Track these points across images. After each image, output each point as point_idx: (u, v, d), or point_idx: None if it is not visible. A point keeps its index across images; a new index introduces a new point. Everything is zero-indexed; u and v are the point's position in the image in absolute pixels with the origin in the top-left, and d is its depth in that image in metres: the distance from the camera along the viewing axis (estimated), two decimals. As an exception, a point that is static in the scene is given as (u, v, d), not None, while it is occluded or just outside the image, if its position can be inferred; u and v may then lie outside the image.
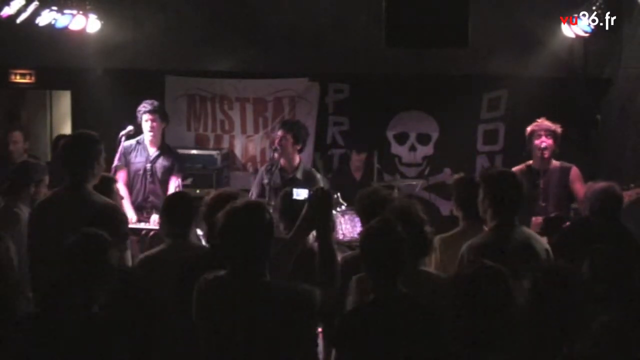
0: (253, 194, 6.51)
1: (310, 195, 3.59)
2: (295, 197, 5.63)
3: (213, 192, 4.18)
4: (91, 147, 4.52)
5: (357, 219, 6.41)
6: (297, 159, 6.50)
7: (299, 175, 6.46)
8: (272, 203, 5.91)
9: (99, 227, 3.83)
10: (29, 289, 4.38)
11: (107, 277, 3.35)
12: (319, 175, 6.62)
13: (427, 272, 3.81)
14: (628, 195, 5.62)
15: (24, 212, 4.93)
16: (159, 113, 6.57)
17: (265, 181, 6.47)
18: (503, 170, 4.70)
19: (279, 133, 6.52)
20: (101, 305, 3.29)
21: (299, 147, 6.51)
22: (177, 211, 4.32)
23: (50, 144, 8.92)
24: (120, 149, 6.54)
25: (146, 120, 6.52)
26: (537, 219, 5.66)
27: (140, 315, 3.63)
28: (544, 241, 4.32)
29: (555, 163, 5.98)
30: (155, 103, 6.60)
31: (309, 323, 3.23)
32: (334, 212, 6.26)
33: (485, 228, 4.49)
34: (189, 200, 4.44)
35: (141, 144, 6.60)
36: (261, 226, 3.20)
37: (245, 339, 3.16)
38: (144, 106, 6.51)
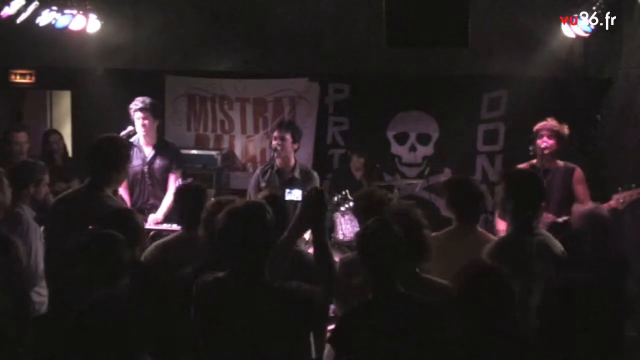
0: (251, 198, 6.50)
1: (304, 196, 3.61)
2: (288, 197, 5.66)
3: (213, 199, 4.23)
4: (119, 152, 4.60)
5: (356, 220, 6.42)
6: (293, 159, 6.52)
7: (296, 174, 6.48)
8: None
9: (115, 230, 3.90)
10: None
11: (119, 275, 3.42)
12: (316, 174, 6.64)
13: (428, 279, 3.79)
14: (629, 195, 5.63)
15: (26, 212, 4.94)
16: (150, 111, 6.43)
17: (263, 185, 6.47)
18: (526, 171, 4.70)
19: (276, 133, 6.53)
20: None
21: (296, 147, 6.54)
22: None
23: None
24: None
25: (137, 119, 6.43)
26: (547, 217, 5.67)
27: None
28: (559, 244, 4.32)
29: (559, 163, 5.99)
30: (147, 100, 6.46)
31: (309, 323, 3.23)
32: (339, 211, 6.30)
33: (479, 228, 4.51)
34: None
35: (137, 146, 6.49)
36: (262, 226, 3.21)
37: (246, 339, 3.16)
38: (135, 104, 6.41)
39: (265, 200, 3.93)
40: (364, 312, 3.34)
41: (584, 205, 4.89)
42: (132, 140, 6.51)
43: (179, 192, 4.73)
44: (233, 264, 3.22)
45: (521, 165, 6.02)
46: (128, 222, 4.04)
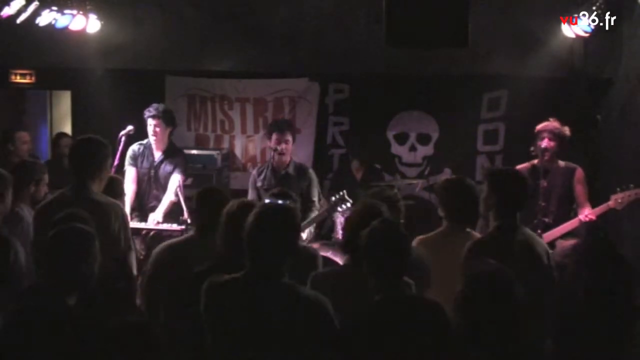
0: (250, 198, 6.54)
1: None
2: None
3: (235, 202, 4.15)
4: (97, 152, 4.61)
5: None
6: (289, 157, 6.62)
7: (290, 170, 6.55)
8: None
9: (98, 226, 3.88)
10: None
11: (87, 271, 3.36)
12: (312, 171, 6.68)
13: None
14: (627, 196, 5.63)
15: (25, 211, 4.93)
16: (162, 118, 6.59)
17: (259, 184, 6.54)
18: (509, 169, 4.69)
19: (277, 136, 6.56)
20: (81, 299, 3.33)
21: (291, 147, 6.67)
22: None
23: (50, 144, 8.93)
24: (120, 148, 6.57)
25: (149, 125, 6.61)
26: (547, 237, 5.66)
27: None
28: (544, 243, 4.31)
29: (560, 163, 5.98)
30: (161, 108, 6.63)
31: (323, 329, 3.22)
32: (338, 211, 6.32)
33: (468, 230, 4.50)
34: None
35: (148, 148, 6.69)
36: (291, 229, 3.24)
37: (259, 338, 3.16)
38: (149, 110, 6.59)
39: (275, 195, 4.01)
40: (371, 314, 3.32)
41: (567, 241, 4.85)
42: (143, 142, 6.69)
43: (203, 194, 4.63)
44: (256, 264, 3.22)
45: (522, 165, 6.02)
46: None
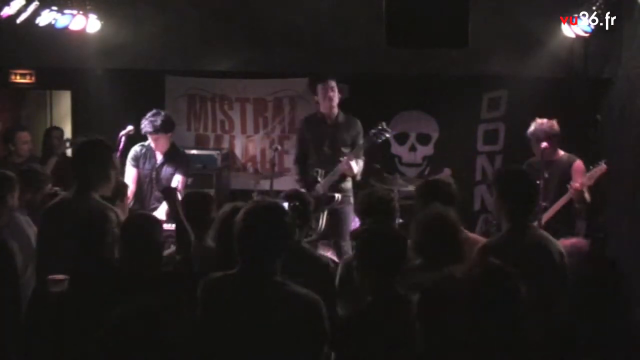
0: (296, 150, 6.86)
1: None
2: None
3: (228, 205, 4.17)
4: (99, 154, 4.55)
5: (356, 219, 6.43)
6: (337, 107, 6.75)
7: (340, 119, 6.74)
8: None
9: (92, 232, 3.94)
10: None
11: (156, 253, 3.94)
12: (359, 122, 6.81)
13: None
14: (594, 172, 5.84)
15: (19, 217, 4.88)
16: (161, 131, 6.56)
17: (309, 136, 6.70)
18: (516, 170, 4.69)
19: (321, 86, 6.71)
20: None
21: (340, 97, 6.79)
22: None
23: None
24: (120, 148, 6.58)
25: (150, 139, 6.60)
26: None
27: None
28: (558, 243, 4.30)
29: (561, 154, 6.04)
30: (158, 121, 6.54)
31: (314, 329, 3.22)
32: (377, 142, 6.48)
33: (464, 230, 4.49)
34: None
35: (149, 150, 6.69)
36: (280, 228, 3.24)
37: (253, 336, 3.17)
38: (145, 125, 6.52)
39: (289, 196, 4.02)
40: (363, 315, 3.33)
41: (568, 240, 4.83)
42: (144, 144, 6.69)
43: (185, 200, 4.66)
44: (246, 261, 3.22)
45: (533, 159, 6.05)
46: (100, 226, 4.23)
